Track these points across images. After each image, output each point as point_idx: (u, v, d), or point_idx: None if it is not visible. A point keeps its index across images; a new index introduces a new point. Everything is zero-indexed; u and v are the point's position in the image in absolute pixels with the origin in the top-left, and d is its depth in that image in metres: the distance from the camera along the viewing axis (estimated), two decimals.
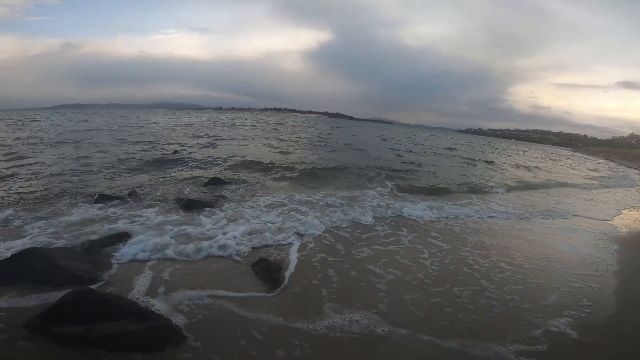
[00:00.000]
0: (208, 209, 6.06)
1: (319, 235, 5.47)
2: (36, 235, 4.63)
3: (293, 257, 4.58)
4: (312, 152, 16.03)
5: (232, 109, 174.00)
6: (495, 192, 10.68)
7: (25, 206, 5.74)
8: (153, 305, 3.19)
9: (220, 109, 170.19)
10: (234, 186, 8.04)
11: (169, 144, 15.20)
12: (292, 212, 6.36)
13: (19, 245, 4.19)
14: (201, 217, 5.67)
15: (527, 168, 19.22)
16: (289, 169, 10.61)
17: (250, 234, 5.12)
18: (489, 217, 7.60)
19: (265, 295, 3.60)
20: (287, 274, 4.04)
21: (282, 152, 15.13)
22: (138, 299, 3.27)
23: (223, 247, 4.62)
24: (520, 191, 11.72)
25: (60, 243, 4.40)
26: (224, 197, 7.00)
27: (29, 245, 4.08)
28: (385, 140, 29.83)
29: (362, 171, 11.33)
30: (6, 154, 10.38)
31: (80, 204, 6.05)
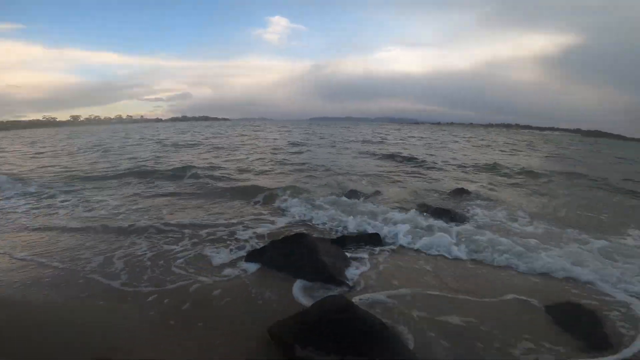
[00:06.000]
0: (458, 224, 4.98)
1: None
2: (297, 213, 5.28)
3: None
4: None
5: (452, 124, 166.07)
6: None
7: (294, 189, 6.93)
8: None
9: (438, 123, 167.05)
10: (483, 202, 6.42)
11: (405, 150, 15.58)
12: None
13: (282, 223, 4.70)
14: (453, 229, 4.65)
15: None
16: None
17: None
18: None
19: None
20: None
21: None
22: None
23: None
24: None
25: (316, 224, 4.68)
26: (474, 215, 5.66)
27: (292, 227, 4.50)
28: None
29: None
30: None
31: (332, 195, 6.57)
